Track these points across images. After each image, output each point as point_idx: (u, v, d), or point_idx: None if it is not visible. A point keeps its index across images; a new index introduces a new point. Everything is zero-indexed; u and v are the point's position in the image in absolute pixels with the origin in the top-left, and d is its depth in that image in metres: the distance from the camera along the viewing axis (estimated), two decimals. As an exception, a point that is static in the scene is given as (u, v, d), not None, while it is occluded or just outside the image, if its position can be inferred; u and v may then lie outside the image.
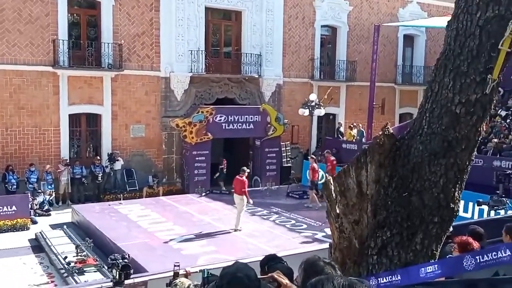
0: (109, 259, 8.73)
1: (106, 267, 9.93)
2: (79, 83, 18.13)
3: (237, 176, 13.57)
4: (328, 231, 12.06)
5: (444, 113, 3.38)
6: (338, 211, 3.71)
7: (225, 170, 19.26)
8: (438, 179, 3.41)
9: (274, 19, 21.70)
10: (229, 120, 19.52)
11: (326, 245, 8.64)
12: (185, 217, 14.81)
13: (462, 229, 5.14)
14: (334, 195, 3.73)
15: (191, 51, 19.66)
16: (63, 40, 17.55)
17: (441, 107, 3.40)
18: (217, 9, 20.87)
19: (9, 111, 16.98)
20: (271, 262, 3.08)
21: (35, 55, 17.31)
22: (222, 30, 21.57)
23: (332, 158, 18.03)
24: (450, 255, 4.10)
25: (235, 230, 13.16)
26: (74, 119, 18.32)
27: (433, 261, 3.41)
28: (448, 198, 3.45)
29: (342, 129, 23.05)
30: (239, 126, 19.78)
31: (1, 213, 14.15)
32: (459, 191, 3.52)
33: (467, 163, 3.49)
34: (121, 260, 8.79)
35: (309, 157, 18.21)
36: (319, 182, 16.18)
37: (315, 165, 16.75)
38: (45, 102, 17.51)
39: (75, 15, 18.69)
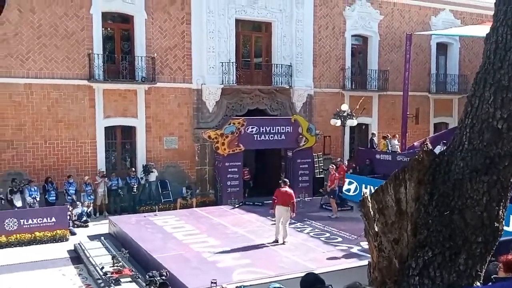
0: (147, 276, 8.91)
1: (140, 278, 10.11)
2: (114, 96, 18.60)
3: (282, 188, 13.32)
4: (364, 245, 11.95)
5: (485, 129, 3.33)
6: (376, 229, 3.68)
7: (250, 181, 19.37)
8: (481, 197, 3.35)
9: (304, 30, 21.76)
10: (261, 131, 19.62)
11: (363, 261, 8.57)
12: (219, 229, 14.90)
13: (506, 245, 4.99)
14: (372, 213, 3.70)
15: (222, 63, 19.91)
16: (98, 54, 18.07)
17: (482, 122, 3.35)
18: (247, 21, 21.10)
19: (48, 124, 17.55)
20: (317, 285, 3.03)
21: (71, 69, 17.88)
22: (253, 41, 21.77)
23: (344, 166, 18.43)
24: (495, 276, 4.00)
25: (283, 243, 13.07)
26: (109, 131, 18.80)
27: (479, 284, 3.33)
28: (491, 217, 3.38)
29: (375, 139, 22.81)
30: (271, 137, 19.85)
31: (41, 225, 14.59)
32: (503, 210, 3.44)
33: (511, 180, 3.42)
34: (159, 278, 8.97)
35: (329, 166, 18.10)
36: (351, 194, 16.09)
37: (335, 173, 16.80)
38: (81, 115, 18.02)
39: (109, 29, 19.23)
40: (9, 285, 11.17)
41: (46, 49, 17.48)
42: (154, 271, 9.31)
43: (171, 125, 19.55)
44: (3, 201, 15.70)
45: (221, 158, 19.16)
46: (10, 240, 14.04)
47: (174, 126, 19.61)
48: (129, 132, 19.29)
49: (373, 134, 23.14)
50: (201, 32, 19.70)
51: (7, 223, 14.28)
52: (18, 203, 15.81)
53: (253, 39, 21.80)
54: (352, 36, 23.48)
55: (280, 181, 13.69)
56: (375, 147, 22.28)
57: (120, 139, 19.33)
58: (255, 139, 19.50)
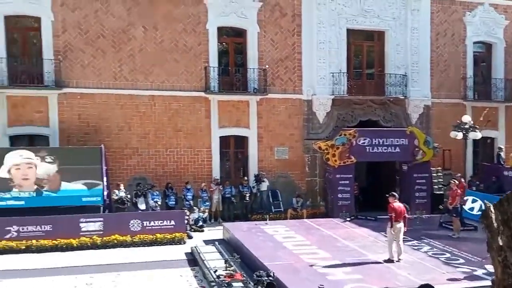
0: (254, 275, 9.31)
1: (251, 284, 10.54)
2: (228, 107, 19.58)
3: (394, 203, 12.94)
4: (490, 268, 11.23)
5: None
6: (501, 243, 3.52)
7: (359, 196, 19.20)
8: None
9: (419, 37, 21.15)
10: (373, 143, 19.34)
11: (487, 282, 8.06)
12: (329, 242, 14.88)
13: None
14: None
15: (333, 73, 20.04)
16: (213, 67, 19.20)
17: None
18: (358, 30, 21.03)
19: (168, 133, 19.00)
20: None
21: (190, 82, 19.19)
22: (364, 51, 21.63)
23: (464, 183, 17.30)
24: None
25: (398, 260, 12.77)
26: (224, 141, 19.79)
27: None
28: None
29: (502, 154, 21.18)
30: (384, 149, 19.46)
31: (162, 227, 15.75)
32: None
33: None
34: (266, 278, 9.35)
35: (451, 181, 16.98)
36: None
37: (457, 189, 15.76)
38: (198, 125, 19.24)
39: (224, 43, 20.35)
40: (134, 281, 12.28)
41: (167, 63, 18.99)
42: (261, 271, 9.66)
43: (282, 136, 20.07)
44: (129, 204, 17.30)
45: (332, 169, 19.20)
46: (134, 240, 15.35)
47: (285, 137, 20.10)
48: (242, 142, 20.11)
49: (500, 148, 21.52)
50: (311, 43, 20.04)
51: (132, 224, 15.64)
52: (142, 206, 17.29)
53: (364, 48, 21.66)
54: (474, 43, 22.28)
55: (387, 195, 13.25)
56: (502, 163, 20.74)
57: (233, 149, 20.25)
58: (367, 151, 19.26)
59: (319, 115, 20.22)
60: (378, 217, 16.78)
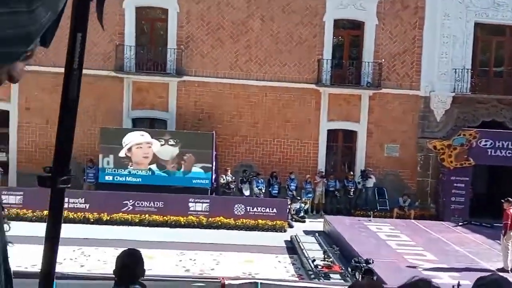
0: (352, 261, 8.97)
1: (349, 277, 10.20)
2: (339, 100, 19.21)
3: (510, 209, 11.82)
4: None
5: None
6: None
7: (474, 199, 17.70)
8: None
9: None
10: (497, 145, 17.74)
11: None
12: (437, 245, 14.02)
13: None
14: None
15: (455, 69, 18.72)
16: (327, 60, 18.94)
17: None
18: (488, 24, 19.36)
19: (277, 123, 19.16)
20: None
21: (302, 74, 19.13)
22: (493, 47, 19.89)
23: None
24: None
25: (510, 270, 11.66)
26: (332, 134, 19.50)
27: None
28: None
29: None
30: (508, 153, 17.74)
31: (264, 214, 16.02)
32: None
33: None
34: (364, 264, 8.95)
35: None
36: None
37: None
38: (307, 117, 19.14)
39: (339, 36, 19.96)
40: (234, 262, 12.55)
41: (281, 55, 19.12)
42: (359, 257, 9.29)
43: (394, 132, 19.22)
44: (234, 189, 17.76)
45: (447, 171, 18.01)
46: (237, 223, 15.79)
47: (397, 134, 19.22)
48: (350, 136, 19.69)
49: None
50: (434, 37, 18.89)
51: (236, 208, 16.10)
52: (247, 192, 17.73)
53: (493, 44, 19.92)
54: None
55: (502, 200, 12.07)
56: None
57: (341, 143, 19.88)
58: (489, 153, 17.71)
59: (437, 113, 19.01)
60: (495, 224, 15.36)
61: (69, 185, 0.99)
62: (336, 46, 19.75)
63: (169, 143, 17.45)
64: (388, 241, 14.02)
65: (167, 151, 17.48)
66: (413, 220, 17.18)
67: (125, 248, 3.43)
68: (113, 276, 3.30)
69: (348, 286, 3.47)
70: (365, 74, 19.01)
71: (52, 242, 1.04)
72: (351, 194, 18.46)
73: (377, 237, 14.37)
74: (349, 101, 19.24)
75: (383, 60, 18.98)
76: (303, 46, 19.11)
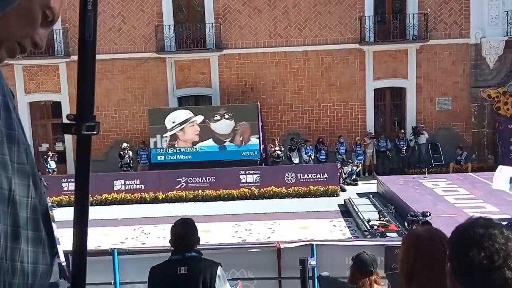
0: (408, 215, 8.93)
1: (406, 228, 10.17)
2: (384, 57, 18.75)
3: None
4: None
5: None
6: None
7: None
8: None
9: None
10: (556, 87, 16.84)
11: None
12: (499, 196, 13.50)
13: None
14: None
15: (507, 11, 17.75)
16: (369, 16, 18.43)
17: None
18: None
19: (321, 88, 18.97)
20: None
21: (343, 34, 18.75)
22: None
23: None
24: None
25: None
26: (379, 93, 19.12)
27: None
28: None
29: None
30: None
31: (315, 180, 16.09)
32: None
33: None
34: (421, 217, 8.89)
35: None
36: None
37: None
38: (352, 78, 18.82)
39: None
40: (289, 229, 12.76)
41: (321, 17, 18.76)
42: (416, 211, 9.23)
43: (444, 85, 18.60)
44: (283, 158, 17.88)
45: (503, 119, 17.36)
46: (289, 191, 15.97)
47: (448, 86, 18.60)
48: (398, 94, 19.26)
49: None
50: (482, -21, 17.92)
51: (286, 176, 16.25)
52: (296, 160, 17.78)
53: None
54: None
55: None
56: None
57: (389, 101, 19.47)
58: (549, 97, 16.88)
59: (489, 60, 18.19)
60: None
61: (94, 132, 0.94)
62: (378, 0, 19.13)
63: (225, 117, 17.67)
64: (445, 196, 13.79)
65: (224, 125, 17.71)
66: (470, 173, 16.75)
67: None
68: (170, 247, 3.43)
69: (404, 235, 3.48)
70: (411, 27, 18.41)
71: (82, 198, 0.99)
72: (403, 152, 18.16)
73: (433, 193, 14.15)
74: (395, 57, 18.74)
75: (429, 10, 18.25)
76: (343, 4, 18.66)
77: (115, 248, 6.14)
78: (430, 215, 9.60)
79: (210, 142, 17.80)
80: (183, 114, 18.05)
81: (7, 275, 0.82)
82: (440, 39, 18.46)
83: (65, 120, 0.96)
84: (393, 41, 18.48)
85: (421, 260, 1.95)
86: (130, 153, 17.93)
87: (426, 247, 1.98)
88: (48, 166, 17.62)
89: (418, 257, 1.97)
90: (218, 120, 17.69)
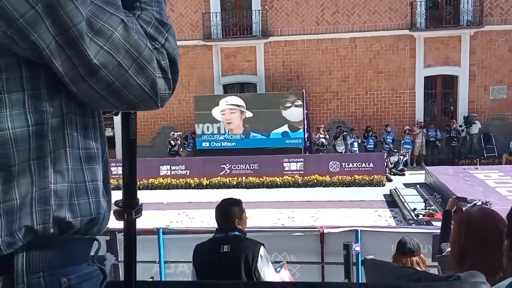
0: (460, 201, 8.63)
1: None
2: (436, 44, 18.19)
3: None
4: None
5: None
6: None
7: None
8: None
9: None
10: None
11: None
12: (553, 189, 13.02)
13: None
14: None
15: None
16: (420, 1, 17.99)
17: None
18: None
19: (369, 75, 18.62)
20: None
21: (393, 20, 18.28)
22: None
23: None
24: None
25: None
26: (429, 81, 18.59)
27: None
28: None
29: None
30: None
31: (361, 169, 15.83)
32: None
33: None
34: (480, 205, 8.58)
35: None
36: None
37: None
38: (401, 65, 18.37)
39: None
40: (332, 217, 12.66)
41: (370, 2, 18.37)
42: (475, 199, 8.92)
43: (499, 73, 17.87)
44: (328, 146, 17.70)
45: None
46: (333, 180, 15.78)
47: (503, 74, 17.85)
48: (450, 82, 18.68)
49: None
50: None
51: (331, 165, 16.06)
52: (341, 149, 17.57)
53: None
54: None
55: None
56: None
57: (441, 89, 18.90)
58: None
59: (549, 46, 17.29)
60: None
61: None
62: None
63: (295, 104, 17.48)
64: (497, 188, 13.24)
65: (295, 112, 17.53)
66: (525, 165, 16.06)
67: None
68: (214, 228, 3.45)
69: (457, 215, 3.37)
70: (465, 12, 17.76)
71: (129, 272, 1.15)
72: (454, 142, 17.59)
73: (485, 185, 13.62)
74: (447, 44, 18.16)
75: (485, -6, 17.54)
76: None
77: (160, 228, 6.26)
78: (490, 205, 9.27)
79: (284, 128, 17.61)
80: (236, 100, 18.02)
81: None
82: (496, 24, 17.72)
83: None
84: (446, 27, 17.89)
85: (473, 240, 1.88)
86: (179, 141, 18.28)
87: (479, 227, 1.91)
88: (98, 151, 18.16)
89: (470, 238, 1.90)
90: (288, 107, 17.58)
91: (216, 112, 17.91)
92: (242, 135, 18.06)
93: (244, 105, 17.78)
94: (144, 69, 0.91)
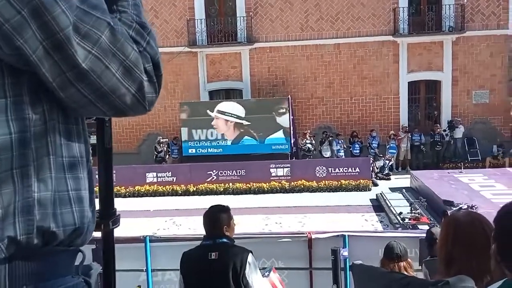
0: (446, 205, 8.68)
1: (438, 226, 9.97)
2: (419, 49, 18.39)
3: None
4: None
5: None
6: None
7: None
8: None
9: None
10: None
11: None
12: (537, 192, 13.19)
13: None
14: None
15: (549, 1, 17.11)
16: (403, 8, 18.10)
17: None
18: None
19: (353, 81, 18.74)
20: None
21: (377, 26, 18.46)
22: None
23: None
24: None
25: None
26: (413, 86, 18.78)
27: None
28: None
29: None
30: None
31: (347, 174, 15.90)
32: None
33: None
34: (465, 208, 8.64)
35: None
36: None
37: None
38: (385, 71, 18.53)
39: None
40: (319, 222, 12.67)
41: (354, 9, 18.53)
42: (456, 202, 9.00)
43: (481, 78, 18.12)
44: (314, 151, 17.75)
45: (544, 113, 16.72)
46: (320, 185, 15.82)
47: (485, 79, 18.10)
48: (433, 86, 18.88)
49: None
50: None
51: (317, 170, 16.11)
52: (327, 154, 17.63)
53: None
54: None
55: None
56: None
57: (424, 94, 19.09)
58: None
59: (528, 52, 17.59)
60: None
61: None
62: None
63: (279, 111, 17.51)
64: (482, 191, 13.37)
65: (287, 119, 17.57)
66: (508, 168, 16.22)
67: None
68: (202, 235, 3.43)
69: (443, 220, 3.38)
70: (446, 18, 18.00)
71: (108, 285, 1.14)
72: (438, 146, 17.77)
73: (469, 188, 13.76)
74: (430, 49, 18.36)
75: (466, 0, 17.77)
76: (377, -4, 18.37)
77: (147, 235, 6.21)
78: (473, 207, 9.35)
79: (279, 134, 17.59)
80: (231, 107, 17.99)
81: None
82: (477, 30, 17.97)
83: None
84: (428, 33, 18.10)
85: (460, 245, 1.88)
86: (165, 147, 18.20)
87: (466, 231, 1.91)
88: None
89: (457, 242, 1.90)
90: (283, 114, 17.60)
91: (205, 119, 17.87)
92: (227, 141, 18.05)
93: (240, 114, 17.72)
94: (131, 72, 0.90)
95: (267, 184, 16.05)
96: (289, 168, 16.32)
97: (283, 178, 16.20)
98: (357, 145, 17.75)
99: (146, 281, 6.20)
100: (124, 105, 0.92)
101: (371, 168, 16.44)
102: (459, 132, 17.74)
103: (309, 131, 18.18)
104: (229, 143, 18.06)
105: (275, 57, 19.19)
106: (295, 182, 15.92)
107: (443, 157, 17.93)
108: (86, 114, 0.97)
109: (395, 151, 17.85)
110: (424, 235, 5.59)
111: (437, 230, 4.30)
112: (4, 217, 0.83)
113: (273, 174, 16.32)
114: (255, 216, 13.39)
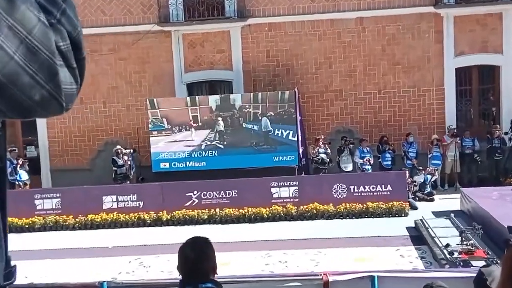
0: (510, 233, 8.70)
1: (498, 263, 10.02)
2: (470, 25, 18.63)
3: None
4: None
5: None
6: None
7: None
8: None
9: None
10: None
11: None
12: None
13: None
14: None
15: None
16: (448, -30, 18.33)
17: None
18: None
19: (382, 68, 18.92)
20: None
21: (414, -6, 18.66)
22: None
23: None
24: None
25: None
26: (462, 74, 18.98)
27: None
28: None
29: None
30: None
31: (375, 193, 15.98)
32: None
33: None
34: None
35: None
36: None
37: None
38: (425, 54, 18.74)
39: None
40: (339, 261, 12.72)
41: (382, -29, 18.73)
42: None
43: (557, 62, 18.35)
44: (331, 163, 17.81)
45: None
46: (338, 209, 15.89)
47: (562, 63, 18.34)
48: (490, 74, 19.14)
49: None
50: None
51: (335, 189, 16.19)
52: (348, 167, 17.72)
53: None
54: None
55: None
56: None
57: (477, 84, 19.29)
58: None
59: None
60: None
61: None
62: None
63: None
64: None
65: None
66: None
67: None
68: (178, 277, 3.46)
69: (505, 253, 3.43)
70: (507, -18, 18.25)
71: None
72: (498, 155, 17.93)
73: (540, 211, 13.90)
74: (485, 24, 18.61)
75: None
76: (414, -46, 18.62)
77: (104, 281, 6.24)
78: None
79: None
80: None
81: None
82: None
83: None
84: (483, 2, 18.27)
85: None
86: (126, 158, 18.12)
87: None
88: (18, 178, 17.94)
89: None
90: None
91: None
92: (214, 152, 18.11)
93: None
94: (36, 53, 0.87)
95: (268, 209, 16.12)
96: (296, 187, 16.41)
97: (288, 200, 16.28)
98: (388, 155, 17.87)
99: None
100: (30, 101, 0.88)
101: (407, 186, 16.52)
102: (526, 136, 17.96)
103: (323, 137, 18.28)
104: (214, 154, 18.12)
105: (276, 37, 19.34)
106: (305, 206, 16.00)
107: (505, 169, 18.10)
108: None
109: (439, 162, 18.00)
110: (473, 275, 5.66)
111: (491, 270, 4.37)
112: None
113: (275, 196, 16.40)
114: (252, 252, 13.46)
